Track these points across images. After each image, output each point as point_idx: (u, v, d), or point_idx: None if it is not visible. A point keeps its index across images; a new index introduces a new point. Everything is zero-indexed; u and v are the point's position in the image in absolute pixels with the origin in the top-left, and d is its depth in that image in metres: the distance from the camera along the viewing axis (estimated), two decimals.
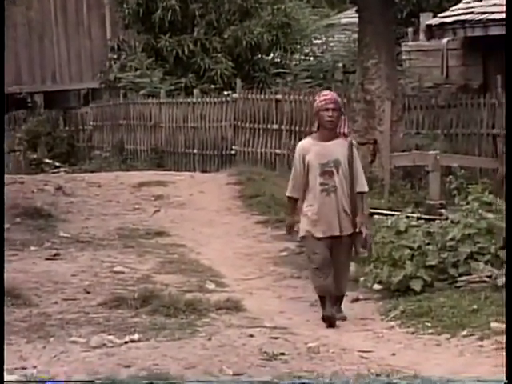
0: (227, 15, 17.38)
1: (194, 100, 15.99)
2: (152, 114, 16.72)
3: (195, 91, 16.12)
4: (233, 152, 15.22)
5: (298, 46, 17.96)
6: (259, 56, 17.71)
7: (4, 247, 7.98)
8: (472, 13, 13.42)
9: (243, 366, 5.27)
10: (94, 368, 5.22)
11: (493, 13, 13.15)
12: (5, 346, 5.38)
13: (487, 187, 8.24)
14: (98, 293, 7.08)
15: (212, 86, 16.53)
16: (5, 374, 4.95)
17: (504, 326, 5.94)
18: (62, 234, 9.45)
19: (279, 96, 14.48)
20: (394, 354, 5.77)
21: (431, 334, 6.15)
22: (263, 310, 6.81)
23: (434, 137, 12.08)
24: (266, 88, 15.78)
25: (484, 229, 7.15)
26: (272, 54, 17.88)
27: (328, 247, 6.52)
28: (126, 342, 5.72)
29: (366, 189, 6.66)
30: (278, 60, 17.89)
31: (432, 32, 13.89)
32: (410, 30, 15.56)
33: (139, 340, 5.77)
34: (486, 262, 6.99)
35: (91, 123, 18.55)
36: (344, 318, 6.61)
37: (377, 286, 7.22)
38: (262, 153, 14.62)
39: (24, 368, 5.22)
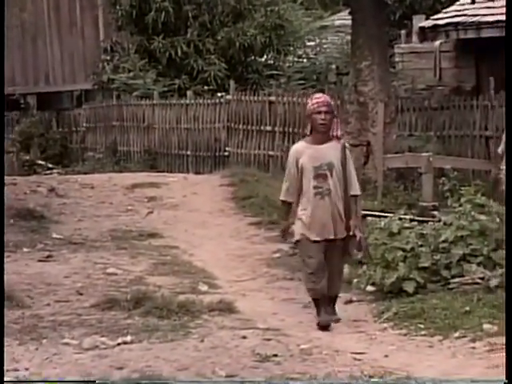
0: (220, 17, 17.38)
1: (188, 101, 15.98)
2: (145, 115, 16.72)
3: (188, 93, 16.12)
4: (226, 153, 15.22)
5: (292, 48, 17.98)
6: (252, 58, 17.72)
7: (4, 247, 7.96)
8: (465, 15, 13.45)
9: (236, 368, 5.27)
10: (86, 370, 5.21)
11: (485, 15, 13.19)
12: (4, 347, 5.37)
13: (480, 189, 8.27)
14: (90, 294, 7.07)
15: (205, 88, 16.53)
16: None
17: (496, 327, 5.96)
18: (54, 235, 9.44)
19: (272, 98, 14.50)
20: (386, 356, 5.77)
21: (424, 335, 6.15)
22: (256, 312, 6.81)
23: (427, 139, 12.11)
24: (259, 90, 15.79)
25: (476, 231, 7.16)
26: (265, 56, 17.90)
27: (322, 251, 6.52)
28: (119, 344, 5.71)
29: (359, 192, 6.67)
30: (272, 62, 17.91)
31: (425, 34, 13.92)
32: (402, 32, 15.59)
33: (132, 342, 5.76)
34: (478, 264, 7.00)
35: (84, 124, 18.53)
36: (337, 320, 6.62)
37: (370, 288, 7.23)
38: (255, 154, 14.63)
39: (16, 370, 5.21)
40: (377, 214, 8.71)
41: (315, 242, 6.50)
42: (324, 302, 6.56)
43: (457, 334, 6.02)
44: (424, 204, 9.92)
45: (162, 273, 7.94)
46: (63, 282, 7.49)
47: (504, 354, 5.27)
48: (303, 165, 6.52)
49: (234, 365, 5.32)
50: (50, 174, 16.10)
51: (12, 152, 18.25)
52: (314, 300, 6.63)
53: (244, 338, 5.87)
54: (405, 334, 6.24)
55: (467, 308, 6.37)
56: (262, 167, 14.13)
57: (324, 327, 6.43)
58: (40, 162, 17.99)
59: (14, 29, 19.45)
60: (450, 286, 6.91)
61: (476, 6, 12.93)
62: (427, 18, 14.47)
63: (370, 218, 7.98)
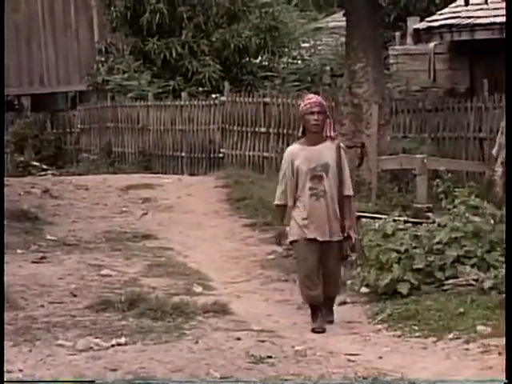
0: (215, 18, 17.38)
1: (182, 103, 15.98)
2: (140, 116, 16.71)
3: (183, 94, 16.12)
4: (221, 155, 15.22)
5: (286, 50, 17.98)
6: (247, 59, 17.72)
7: (4, 247, 7.95)
8: (459, 17, 13.48)
9: (230, 369, 5.27)
10: (80, 371, 5.21)
11: (479, 17, 13.22)
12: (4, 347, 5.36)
13: (474, 191, 8.28)
14: (84, 296, 7.06)
15: (200, 89, 16.53)
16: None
17: (489, 329, 5.97)
18: (48, 236, 9.42)
19: (267, 99, 14.50)
20: (380, 357, 5.78)
21: (418, 337, 6.16)
22: (250, 313, 6.81)
23: (421, 140, 12.12)
24: (253, 91, 15.79)
25: (470, 232, 7.17)
26: (260, 58, 17.90)
27: (317, 252, 6.49)
28: (113, 346, 5.71)
29: (352, 192, 6.66)
30: (266, 63, 17.91)
31: (419, 36, 13.95)
32: (397, 33, 15.60)
33: (126, 343, 5.76)
34: (472, 266, 7.01)
35: (79, 126, 18.51)
36: (330, 322, 6.61)
37: (364, 290, 7.23)
38: (249, 156, 14.63)
39: (10, 371, 5.20)
40: (371, 215, 8.71)
41: (310, 243, 6.47)
42: (319, 307, 6.53)
43: (451, 336, 6.03)
44: (418, 206, 9.93)
45: (157, 274, 7.94)
46: (57, 283, 7.48)
47: (504, 354, 5.29)
48: (299, 167, 6.49)
49: (228, 366, 5.32)
50: (45, 175, 16.08)
51: (6, 153, 18.22)
52: (310, 306, 6.59)
53: (238, 339, 5.87)
54: (399, 336, 6.24)
55: (461, 309, 6.38)
56: (257, 169, 14.13)
57: (319, 332, 6.42)
58: (34, 163, 17.97)
59: (8, 30, 19.42)
60: (444, 288, 6.92)
61: (470, 8, 12.94)
62: (421, 20, 14.49)
63: (364, 220, 7.99)
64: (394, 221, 7.52)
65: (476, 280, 6.86)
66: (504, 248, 7.02)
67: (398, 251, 7.08)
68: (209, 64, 16.90)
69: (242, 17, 17.47)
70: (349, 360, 5.61)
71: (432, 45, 14.09)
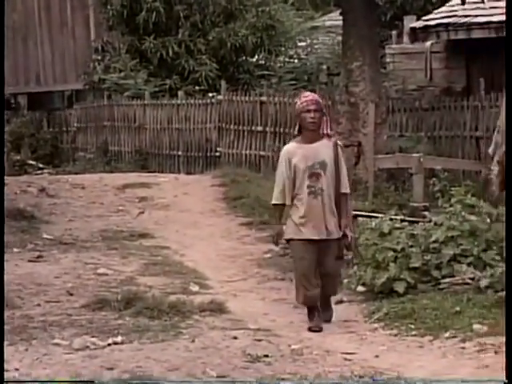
0: (212, 17, 17.38)
1: (179, 102, 15.97)
2: (136, 115, 16.70)
3: (179, 93, 16.11)
4: (217, 154, 15.22)
5: (283, 48, 17.98)
6: (244, 58, 17.71)
7: (4, 247, 7.94)
8: (455, 16, 13.49)
9: (227, 368, 5.27)
10: (76, 370, 5.20)
11: (476, 16, 13.23)
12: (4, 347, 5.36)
13: (470, 190, 8.28)
14: (81, 295, 7.06)
15: (196, 88, 16.52)
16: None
17: (486, 327, 5.98)
18: (45, 235, 9.42)
19: (264, 98, 14.50)
20: (377, 356, 5.78)
21: (414, 335, 6.17)
22: (247, 312, 6.81)
23: (418, 139, 12.13)
24: (250, 90, 15.80)
25: (467, 231, 7.18)
26: (256, 56, 17.90)
27: (315, 251, 6.45)
28: (109, 344, 5.70)
29: (349, 190, 6.65)
30: (263, 62, 17.91)
31: (416, 35, 13.95)
32: (393, 32, 15.61)
33: (122, 342, 5.75)
34: (468, 264, 7.02)
35: (75, 125, 18.50)
36: (327, 321, 6.61)
37: (360, 288, 7.24)
38: (246, 155, 14.63)
39: (6, 370, 5.19)
40: (368, 214, 8.72)
41: (307, 242, 6.45)
42: (316, 306, 6.52)
43: (447, 335, 6.04)
44: (415, 204, 9.94)
45: (153, 273, 7.93)
46: (53, 282, 7.48)
47: (500, 352, 5.30)
48: (296, 165, 6.46)
49: (224, 365, 5.32)
50: (41, 174, 16.07)
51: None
52: (307, 307, 6.56)
53: (235, 338, 5.87)
54: (395, 335, 6.25)
55: (457, 308, 6.38)
56: (253, 167, 14.13)
57: (315, 331, 6.41)
58: (31, 162, 17.95)
59: (4, 29, 19.38)
60: (441, 287, 6.93)
61: (467, 6, 12.95)
62: (418, 19, 14.49)
63: (360, 219, 7.99)
64: (391, 219, 7.52)
65: (472, 279, 6.87)
66: (500, 247, 7.03)
67: (394, 250, 7.09)
68: (205, 63, 16.89)
69: (238, 15, 17.47)
70: (345, 359, 5.61)
71: (428, 44, 14.10)
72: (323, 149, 6.50)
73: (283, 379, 5.08)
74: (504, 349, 5.11)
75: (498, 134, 9.48)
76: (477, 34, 13.15)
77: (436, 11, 14.22)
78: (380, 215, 8.00)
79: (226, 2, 17.31)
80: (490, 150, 9.66)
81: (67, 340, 5.80)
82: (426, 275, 7.08)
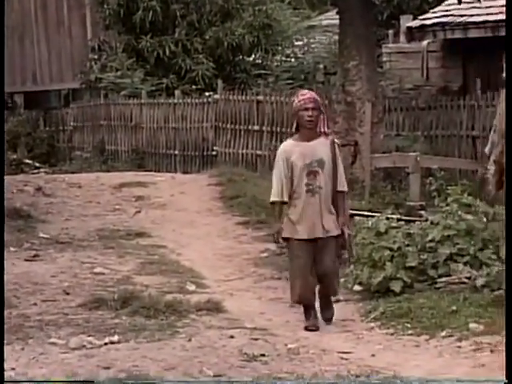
0: (208, 16, 17.37)
1: (175, 101, 15.97)
2: (133, 114, 16.69)
3: (176, 92, 16.11)
4: (214, 153, 15.22)
5: (279, 48, 17.98)
6: (240, 57, 17.71)
7: (4, 248, 7.93)
8: (452, 15, 13.51)
9: (223, 367, 5.27)
10: (73, 369, 5.20)
11: (472, 15, 13.25)
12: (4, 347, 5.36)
13: (466, 189, 8.29)
14: (77, 294, 7.05)
15: (193, 87, 16.52)
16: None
17: (482, 326, 5.99)
18: (41, 234, 9.41)
19: (260, 97, 14.50)
20: (373, 355, 5.78)
21: (411, 335, 6.17)
22: (243, 311, 6.81)
23: (414, 138, 12.14)
24: (247, 89, 15.79)
25: (463, 230, 7.18)
26: (253, 55, 17.90)
27: (311, 250, 6.43)
28: (106, 344, 5.70)
29: (346, 188, 6.64)
30: (260, 61, 17.91)
31: (412, 34, 13.96)
32: (390, 32, 15.62)
33: (119, 341, 5.75)
34: (465, 264, 7.03)
35: (72, 124, 18.48)
36: (329, 319, 6.60)
37: (357, 287, 7.24)
38: (243, 154, 14.63)
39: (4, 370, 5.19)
40: (364, 213, 8.72)
41: (303, 241, 6.44)
42: (312, 305, 6.52)
43: (443, 334, 6.04)
44: (411, 203, 9.95)
45: (150, 272, 7.93)
46: (50, 281, 7.47)
47: (497, 351, 5.30)
48: (294, 163, 6.43)
49: (221, 364, 5.32)
50: (37, 173, 16.06)
51: None
52: (303, 305, 6.54)
53: (231, 337, 5.88)
54: (392, 334, 6.25)
55: (454, 307, 6.39)
56: (250, 167, 14.14)
57: (312, 330, 6.41)
58: (27, 161, 17.94)
59: (4, 29, 19.37)
60: (437, 286, 6.93)
61: (463, 6, 12.97)
62: (415, 18, 14.51)
63: (357, 218, 7.99)
64: (387, 219, 7.52)
65: (468, 278, 6.87)
66: (497, 246, 7.04)
67: (390, 249, 7.09)
68: (202, 62, 16.88)
69: (235, 15, 17.46)
70: (342, 358, 5.61)
71: (425, 43, 14.11)
72: (321, 147, 6.48)
73: (280, 378, 5.08)
74: (504, 348, 5.11)
75: (495, 133, 9.50)
76: (473, 34, 13.18)
77: (432, 10, 14.24)
78: (376, 214, 8.00)
79: (222, 1, 17.30)
80: (487, 150, 9.67)
81: (64, 339, 5.79)
82: (423, 274, 7.09)
